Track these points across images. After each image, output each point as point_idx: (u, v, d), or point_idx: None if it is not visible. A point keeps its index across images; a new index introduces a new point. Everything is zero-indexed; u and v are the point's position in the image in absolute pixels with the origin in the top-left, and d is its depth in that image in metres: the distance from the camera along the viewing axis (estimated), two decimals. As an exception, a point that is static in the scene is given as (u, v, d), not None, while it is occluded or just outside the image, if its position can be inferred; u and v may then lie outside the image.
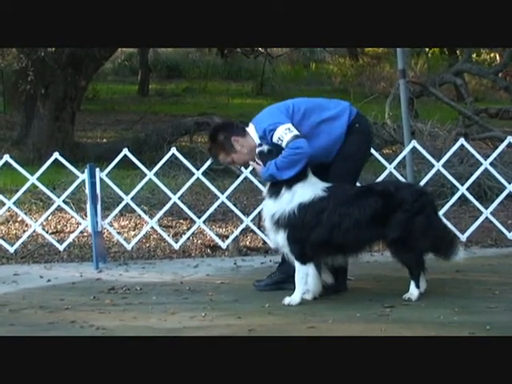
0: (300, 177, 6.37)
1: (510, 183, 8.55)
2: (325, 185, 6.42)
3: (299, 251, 6.37)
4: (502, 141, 9.00)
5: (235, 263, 8.03)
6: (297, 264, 6.40)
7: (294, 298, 6.40)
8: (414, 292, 6.43)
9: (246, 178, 8.68)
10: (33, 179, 8.61)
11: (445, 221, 8.27)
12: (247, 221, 8.48)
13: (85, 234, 9.00)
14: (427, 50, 24.98)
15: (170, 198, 8.65)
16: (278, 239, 6.44)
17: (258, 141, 6.49)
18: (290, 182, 6.35)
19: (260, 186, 8.04)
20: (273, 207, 6.41)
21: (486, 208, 8.45)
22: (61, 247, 8.50)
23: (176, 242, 8.54)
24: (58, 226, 9.78)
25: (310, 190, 6.37)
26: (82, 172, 8.38)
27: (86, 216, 8.73)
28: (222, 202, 8.66)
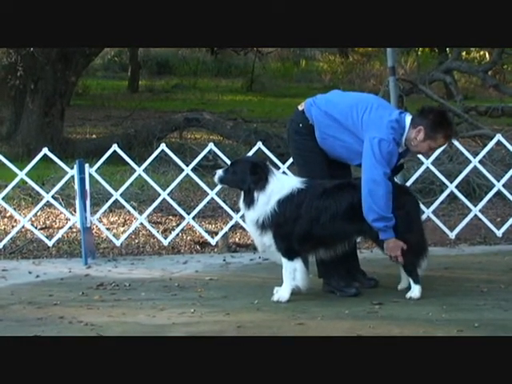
0: (266, 176, 6.36)
1: (498, 181, 8.57)
2: (300, 179, 6.45)
3: (286, 247, 6.35)
4: (491, 139, 9.02)
5: (224, 260, 8.03)
6: (284, 260, 6.39)
7: (282, 295, 6.40)
8: (415, 289, 6.39)
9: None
10: (22, 175, 8.59)
11: (434, 218, 8.32)
12: (237, 217, 8.47)
13: (74, 229, 8.97)
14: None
15: (159, 194, 8.64)
16: (264, 240, 6.42)
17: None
18: (261, 185, 6.33)
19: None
20: (254, 214, 6.38)
21: (475, 205, 8.46)
22: (50, 243, 8.48)
23: (165, 239, 8.53)
24: (47, 222, 9.75)
25: (285, 185, 6.38)
26: (72, 168, 8.36)
27: (75, 212, 8.71)
28: (212, 199, 8.65)
